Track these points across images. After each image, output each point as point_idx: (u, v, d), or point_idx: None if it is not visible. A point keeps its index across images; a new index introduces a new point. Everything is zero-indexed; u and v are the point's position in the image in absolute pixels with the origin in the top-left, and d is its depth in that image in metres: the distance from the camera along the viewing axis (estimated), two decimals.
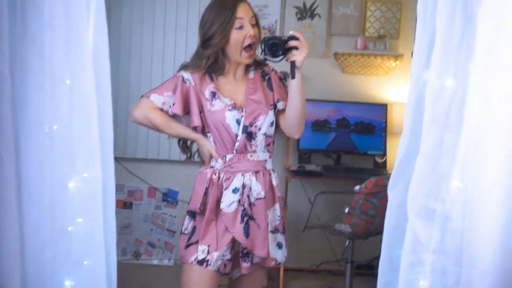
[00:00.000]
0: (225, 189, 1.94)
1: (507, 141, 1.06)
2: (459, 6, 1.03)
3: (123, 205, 4.05)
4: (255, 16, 1.98)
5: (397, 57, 3.73)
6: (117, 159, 3.85)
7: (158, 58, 3.89)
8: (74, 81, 1.14)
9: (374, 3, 3.84)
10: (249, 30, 1.91)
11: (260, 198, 1.96)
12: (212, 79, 1.98)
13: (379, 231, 3.20)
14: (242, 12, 1.91)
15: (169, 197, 4.06)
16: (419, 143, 1.19)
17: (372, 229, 3.13)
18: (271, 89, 2.03)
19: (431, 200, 1.06)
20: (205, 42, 1.94)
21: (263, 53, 1.90)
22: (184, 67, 2.01)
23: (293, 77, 1.87)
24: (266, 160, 2.00)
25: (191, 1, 3.82)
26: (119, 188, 4.00)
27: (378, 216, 3.03)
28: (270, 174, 2.02)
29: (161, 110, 1.95)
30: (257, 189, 1.95)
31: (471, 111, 1.03)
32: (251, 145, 1.96)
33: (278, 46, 1.85)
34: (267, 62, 2.00)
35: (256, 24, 1.97)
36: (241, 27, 1.90)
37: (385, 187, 2.86)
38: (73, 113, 1.15)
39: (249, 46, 1.92)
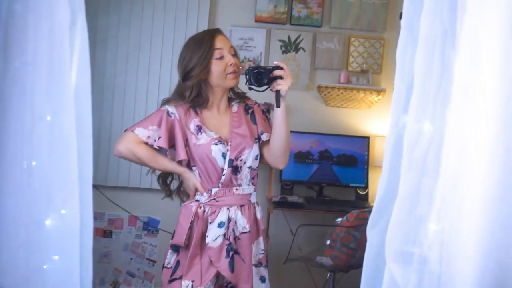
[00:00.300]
0: (210, 223, 1.93)
1: (483, 186, 1.07)
2: (436, 52, 1.05)
3: (103, 234, 3.99)
4: (233, 47, 2.03)
5: (379, 91, 3.78)
6: (98, 187, 3.82)
7: (142, 92, 3.89)
8: (55, 118, 1.13)
9: (357, 38, 3.90)
10: (230, 59, 1.97)
11: (245, 232, 1.96)
12: (196, 113, 2.00)
13: (361, 264, 3.21)
14: (220, 43, 1.97)
15: (150, 226, 4.01)
16: (398, 185, 1.20)
17: (353, 262, 3.11)
18: (255, 123, 2.05)
19: (409, 244, 1.07)
20: (186, 75, 1.97)
21: (248, 82, 1.92)
22: (167, 101, 2.02)
23: (278, 106, 1.89)
24: (251, 194, 2.01)
25: (177, 40, 3.83)
26: (99, 216, 3.95)
27: (359, 249, 3.02)
28: (254, 208, 2.02)
29: (146, 144, 1.94)
30: (242, 223, 1.96)
31: (448, 156, 1.05)
32: (237, 178, 1.96)
33: (263, 75, 1.88)
34: (252, 90, 2.01)
35: (235, 55, 2.01)
36: (221, 57, 1.96)
37: (366, 220, 2.91)
38: (53, 150, 1.14)
39: (233, 72, 1.97)
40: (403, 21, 1.19)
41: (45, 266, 1.15)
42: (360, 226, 2.98)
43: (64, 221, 1.14)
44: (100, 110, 3.85)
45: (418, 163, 1.07)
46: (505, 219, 1.08)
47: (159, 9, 3.84)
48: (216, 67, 1.95)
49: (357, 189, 3.82)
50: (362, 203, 3.68)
